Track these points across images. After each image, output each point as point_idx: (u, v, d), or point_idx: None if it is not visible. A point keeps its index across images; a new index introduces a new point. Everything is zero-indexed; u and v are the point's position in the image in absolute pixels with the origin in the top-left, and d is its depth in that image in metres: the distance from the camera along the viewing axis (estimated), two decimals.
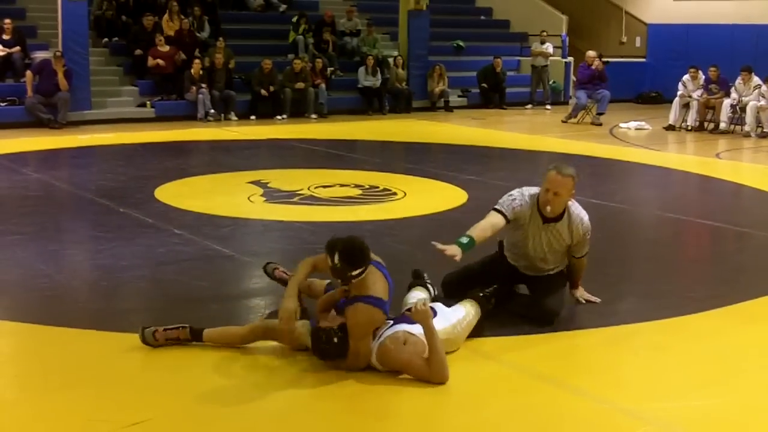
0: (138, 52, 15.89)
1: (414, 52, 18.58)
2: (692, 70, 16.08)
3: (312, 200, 8.68)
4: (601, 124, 16.20)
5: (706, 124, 15.77)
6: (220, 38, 16.49)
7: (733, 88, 15.44)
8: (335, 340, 4.18)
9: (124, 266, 6.16)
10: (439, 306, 4.61)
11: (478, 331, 4.68)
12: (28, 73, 14.36)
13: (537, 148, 12.87)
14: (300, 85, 16.39)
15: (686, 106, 15.93)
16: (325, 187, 9.28)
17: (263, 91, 16.04)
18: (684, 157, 13.42)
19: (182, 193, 8.93)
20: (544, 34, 19.78)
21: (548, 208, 4.95)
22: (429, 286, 5.12)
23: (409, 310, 4.39)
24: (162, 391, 4.07)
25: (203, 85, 15.50)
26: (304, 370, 4.26)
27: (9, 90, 14.61)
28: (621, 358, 4.69)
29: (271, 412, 3.88)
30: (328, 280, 4.87)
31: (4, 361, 4.54)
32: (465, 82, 19.54)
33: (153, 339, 4.50)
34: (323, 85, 16.92)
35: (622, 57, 21.85)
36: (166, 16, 16.56)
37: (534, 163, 11.55)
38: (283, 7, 19.62)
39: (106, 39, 16.55)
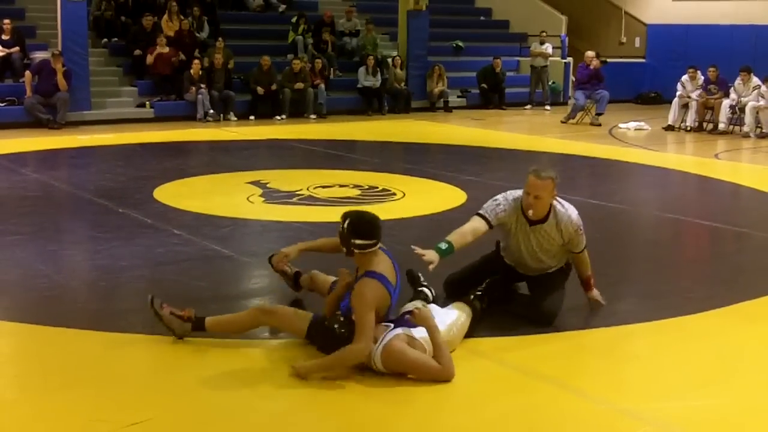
0: (137, 52, 15.90)
1: (413, 53, 18.58)
2: (691, 70, 16.08)
3: (311, 200, 8.68)
4: (600, 125, 16.20)
5: (705, 124, 15.78)
6: (220, 38, 16.49)
7: (732, 89, 15.43)
8: (340, 320, 4.26)
9: (123, 266, 6.17)
10: (434, 308, 4.63)
11: (469, 331, 4.69)
12: (27, 73, 14.36)
13: (536, 148, 12.87)
14: (299, 85, 16.39)
15: (685, 107, 15.93)
16: (324, 187, 9.28)
17: (260, 89, 16.04)
18: (683, 157, 13.42)
19: (181, 194, 8.93)
20: (544, 34, 19.77)
21: (531, 211, 4.96)
22: (426, 288, 5.12)
23: (408, 313, 4.41)
24: (162, 391, 4.07)
25: (202, 86, 15.50)
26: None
27: (8, 90, 14.61)
28: (620, 358, 4.69)
29: (271, 412, 3.88)
30: (334, 278, 4.89)
31: (4, 362, 4.54)
32: (464, 82, 19.55)
33: (159, 307, 4.57)
34: (322, 86, 16.92)
35: (621, 57, 21.86)
36: (165, 17, 16.56)
37: (533, 163, 11.49)
38: (282, 7, 19.64)
39: (105, 39, 16.57)
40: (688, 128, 15.77)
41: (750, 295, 5.69)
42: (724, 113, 15.34)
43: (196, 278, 5.91)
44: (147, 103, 15.58)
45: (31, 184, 9.51)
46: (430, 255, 4.72)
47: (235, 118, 15.79)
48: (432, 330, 4.23)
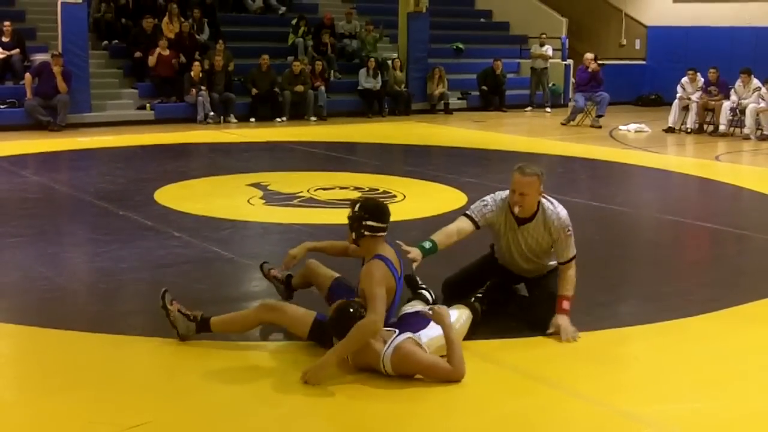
0: (138, 54, 15.90)
1: (413, 55, 18.58)
2: (690, 72, 16.09)
3: (311, 203, 8.67)
4: (600, 127, 16.20)
5: (705, 126, 15.78)
6: (220, 41, 16.50)
7: (732, 91, 15.43)
8: (356, 301, 4.29)
9: (123, 269, 6.16)
10: None
11: (470, 333, 4.70)
12: (28, 75, 14.36)
13: (536, 150, 12.86)
14: (299, 88, 16.39)
15: (686, 109, 15.93)
16: (324, 189, 9.28)
17: (254, 90, 16.02)
18: (683, 159, 13.42)
19: (182, 196, 8.92)
20: (543, 36, 19.77)
21: (517, 209, 4.93)
22: (425, 291, 5.11)
23: (415, 314, 4.45)
24: (162, 393, 4.07)
25: (203, 88, 15.50)
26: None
27: (8, 92, 14.62)
28: (621, 360, 4.69)
29: (273, 415, 3.87)
30: (338, 275, 4.88)
31: (4, 364, 4.53)
32: (465, 84, 19.55)
33: (170, 302, 4.60)
34: (323, 88, 16.92)
35: (621, 59, 21.87)
36: (165, 19, 16.56)
37: (532, 165, 11.49)
38: (282, 9, 19.64)
39: (105, 41, 16.56)
40: (689, 130, 15.77)
41: (751, 298, 5.68)
42: (724, 115, 15.34)
43: (197, 280, 5.91)
44: (147, 105, 15.58)
45: (32, 187, 9.51)
46: (415, 252, 4.75)
47: (236, 121, 15.78)
48: (448, 328, 4.27)
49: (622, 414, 3.91)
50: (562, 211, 4.98)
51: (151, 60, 15.61)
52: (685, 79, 16.10)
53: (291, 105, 16.37)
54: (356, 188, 9.36)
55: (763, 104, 14.77)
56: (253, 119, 16.09)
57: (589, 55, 17.19)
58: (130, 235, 7.20)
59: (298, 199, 8.79)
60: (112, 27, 16.69)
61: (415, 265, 4.72)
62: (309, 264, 5.11)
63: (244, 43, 17.78)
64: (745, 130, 14.97)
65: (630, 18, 22.78)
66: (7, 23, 14.97)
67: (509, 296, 5.34)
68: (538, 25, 20.94)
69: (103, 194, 8.93)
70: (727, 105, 15.32)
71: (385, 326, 4.30)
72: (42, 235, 7.19)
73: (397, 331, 4.29)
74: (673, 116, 15.95)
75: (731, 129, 15.36)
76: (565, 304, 4.85)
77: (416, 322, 4.42)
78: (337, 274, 4.95)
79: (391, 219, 4.57)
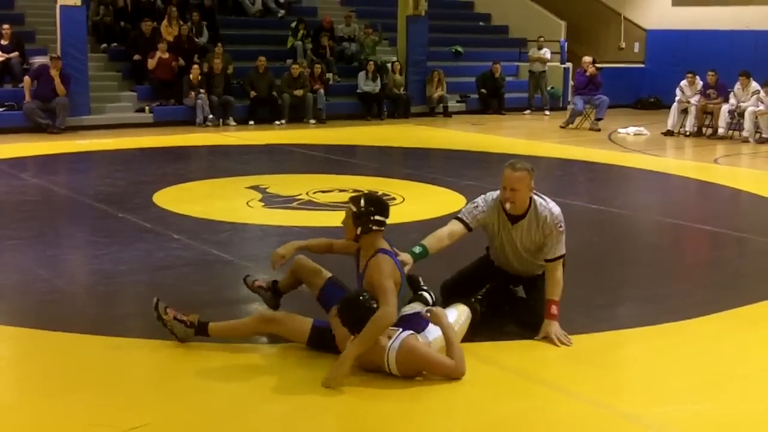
0: (137, 57, 15.90)
1: (413, 58, 18.59)
2: (689, 75, 16.09)
3: (311, 205, 8.68)
4: (599, 130, 16.20)
5: (704, 129, 15.79)
6: (219, 44, 16.50)
7: (731, 94, 15.44)
8: (364, 292, 4.28)
9: (122, 271, 6.16)
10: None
11: (469, 335, 4.70)
12: (27, 78, 14.35)
13: (535, 153, 12.86)
14: (299, 92, 16.39)
15: (684, 112, 15.94)
16: (323, 192, 9.28)
17: (252, 93, 16.02)
18: (682, 162, 13.42)
19: (181, 198, 8.92)
20: (542, 39, 19.76)
21: (508, 205, 4.93)
22: (426, 292, 5.11)
23: (416, 314, 4.46)
24: (161, 395, 4.07)
25: (202, 91, 15.51)
26: (307, 374, 4.25)
27: (7, 95, 14.60)
28: (621, 362, 4.69)
29: (272, 416, 3.88)
30: (330, 275, 4.87)
31: (4, 366, 4.53)
32: (464, 87, 19.56)
33: (163, 311, 4.57)
34: (322, 91, 16.92)
35: (620, 62, 21.88)
36: (164, 22, 16.55)
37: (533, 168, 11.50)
38: (281, 12, 19.65)
39: (104, 44, 16.57)
40: (688, 133, 15.77)
41: (750, 300, 5.68)
42: (723, 118, 15.35)
43: (196, 283, 5.91)
44: (146, 108, 15.58)
45: (31, 189, 9.51)
46: (405, 257, 4.78)
47: (235, 123, 15.78)
48: (447, 328, 4.30)
49: (622, 416, 3.91)
50: (555, 208, 4.98)
51: (151, 63, 15.61)
52: (684, 83, 16.11)
53: (290, 108, 16.37)
54: (355, 191, 9.32)
55: (761, 107, 14.78)
56: (252, 122, 16.08)
57: (586, 59, 17.20)
58: (129, 237, 7.20)
59: (297, 202, 8.80)
60: (110, 30, 16.70)
61: (406, 268, 4.73)
62: (298, 260, 4.96)
63: (243, 46, 17.79)
64: (744, 133, 14.97)
65: (629, 21, 22.80)
66: (6, 26, 14.96)
67: (508, 299, 5.34)
68: (537, 28, 20.93)
69: (102, 197, 8.93)
70: (725, 108, 15.32)
71: None
72: (41, 238, 7.19)
73: (401, 329, 4.31)
74: (672, 119, 15.96)
75: (730, 132, 15.36)
76: (554, 309, 4.81)
77: (417, 323, 4.43)
78: (329, 274, 4.89)
79: (391, 221, 4.57)
